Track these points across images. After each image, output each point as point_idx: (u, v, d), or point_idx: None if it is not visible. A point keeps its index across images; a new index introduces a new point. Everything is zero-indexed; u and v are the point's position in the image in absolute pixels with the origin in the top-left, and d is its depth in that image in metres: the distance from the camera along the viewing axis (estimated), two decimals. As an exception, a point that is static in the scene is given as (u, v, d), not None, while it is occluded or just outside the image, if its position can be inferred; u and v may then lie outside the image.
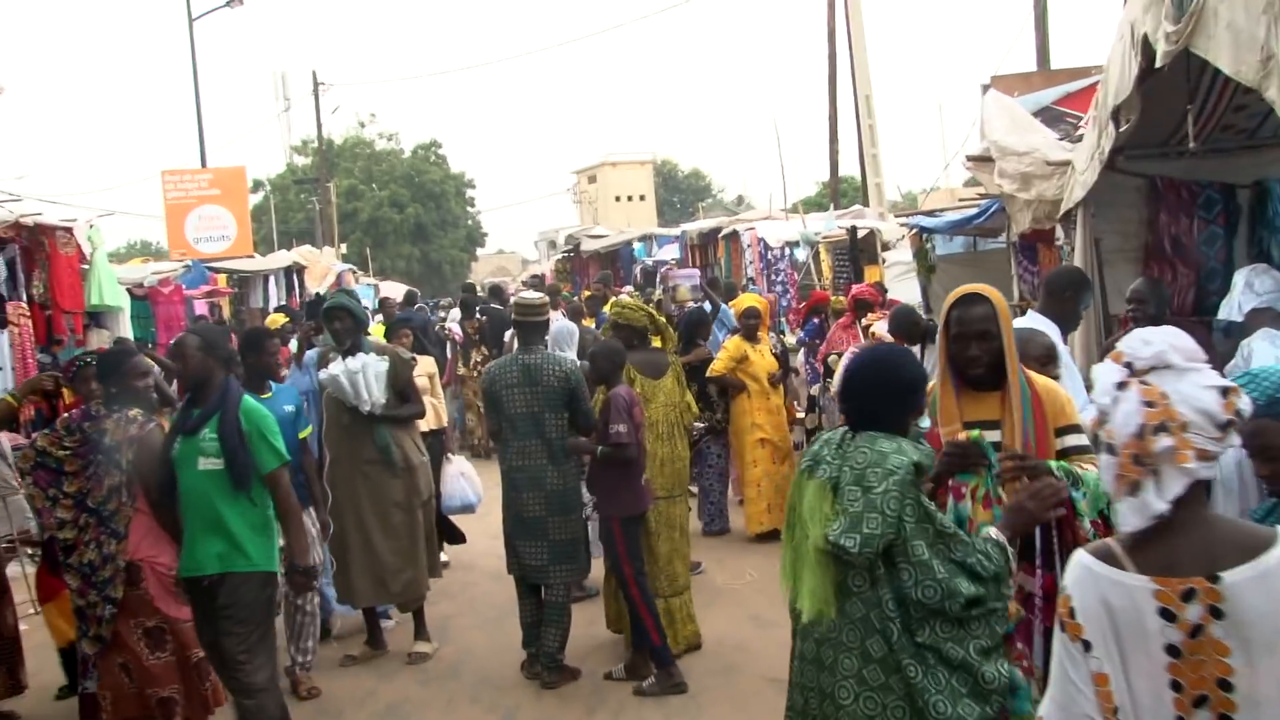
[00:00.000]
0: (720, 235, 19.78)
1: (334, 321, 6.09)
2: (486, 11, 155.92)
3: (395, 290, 34.35)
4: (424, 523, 6.33)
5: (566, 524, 5.75)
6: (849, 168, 22.41)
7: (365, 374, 5.84)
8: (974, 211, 8.57)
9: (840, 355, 7.97)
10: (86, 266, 10.22)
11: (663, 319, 6.45)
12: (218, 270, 16.89)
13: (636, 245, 25.52)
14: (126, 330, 10.83)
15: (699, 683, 5.61)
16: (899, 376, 2.98)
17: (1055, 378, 3.68)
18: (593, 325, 14.41)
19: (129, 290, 12.31)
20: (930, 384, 3.26)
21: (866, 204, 19.53)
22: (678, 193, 74.17)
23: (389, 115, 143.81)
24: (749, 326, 8.39)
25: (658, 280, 21.70)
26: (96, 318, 10.65)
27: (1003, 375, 3.25)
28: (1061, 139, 7.21)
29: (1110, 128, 5.44)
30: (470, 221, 63.57)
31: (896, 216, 10.41)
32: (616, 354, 5.70)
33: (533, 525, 5.68)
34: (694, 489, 7.88)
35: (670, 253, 23.66)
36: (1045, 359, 3.89)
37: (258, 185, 59.76)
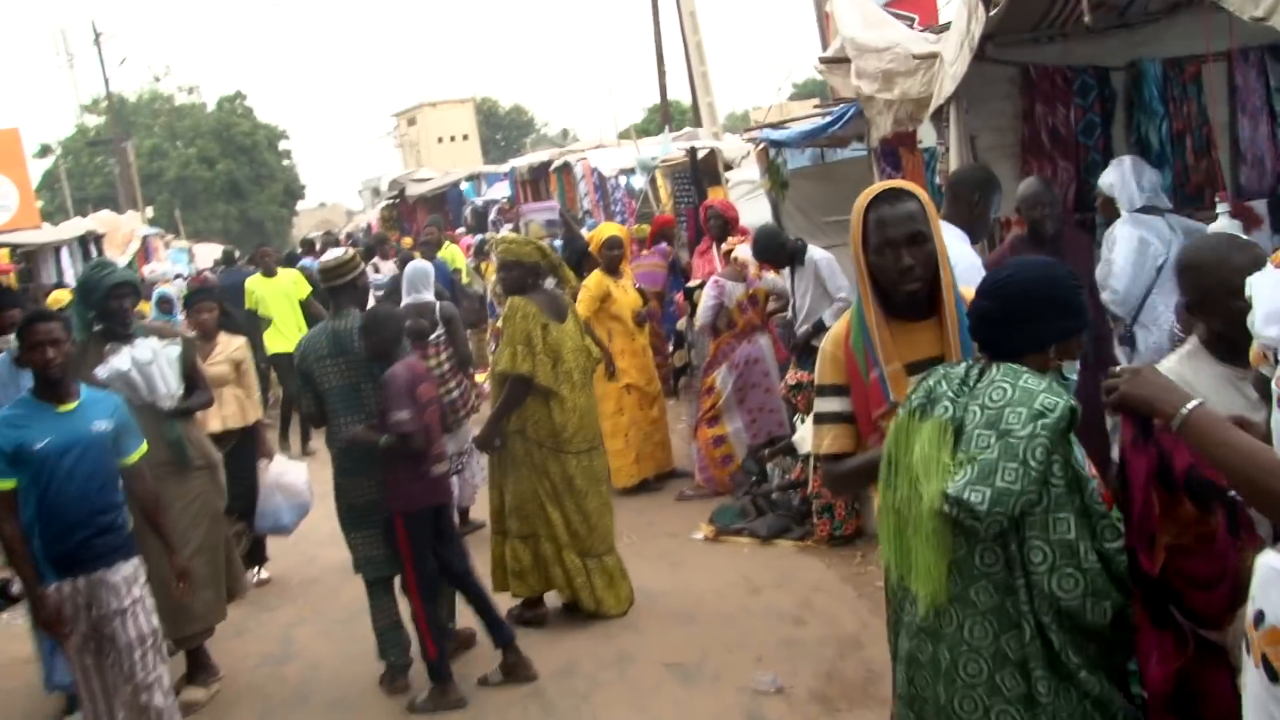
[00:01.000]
0: (551, 169, 18.97)
1: (122, 300, 4.85)
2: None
3: (211, 252, 32.34)
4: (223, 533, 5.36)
5: None
6: (677, 92, 21.88)
7: (159, 363, 4.84)
8: (827, 119, 8.00)
9: (702, 284, 7.34)
10: None
11: (555, 255, 5.64)
12: (-2, 245, 15.18)
13: (465, 186, 24.49)
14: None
15: (592, 679, 4.88)
16: (1067, 298, 2.32)
17: None
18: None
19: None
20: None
21: (699, 125, 18.97)
22: (500, 130, 72.43)
23: (187, 68, 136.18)
24: (611, 259, 7.59)
25: (490, 220, 20.81)
26: None
27: (937, 295, 2.61)
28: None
29: (980, 10, 4.90)
30: (287, 174, 60.61)
31: (745, 132, 9.76)
32: (390, 321, 4.84)
33: (367, 512, 4.91)
34: None
35: (501, 191, 22.70)
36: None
37: (45, 150, 55.60)
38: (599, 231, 8.04)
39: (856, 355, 2.67)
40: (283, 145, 60.02)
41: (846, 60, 6.98)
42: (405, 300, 6.79)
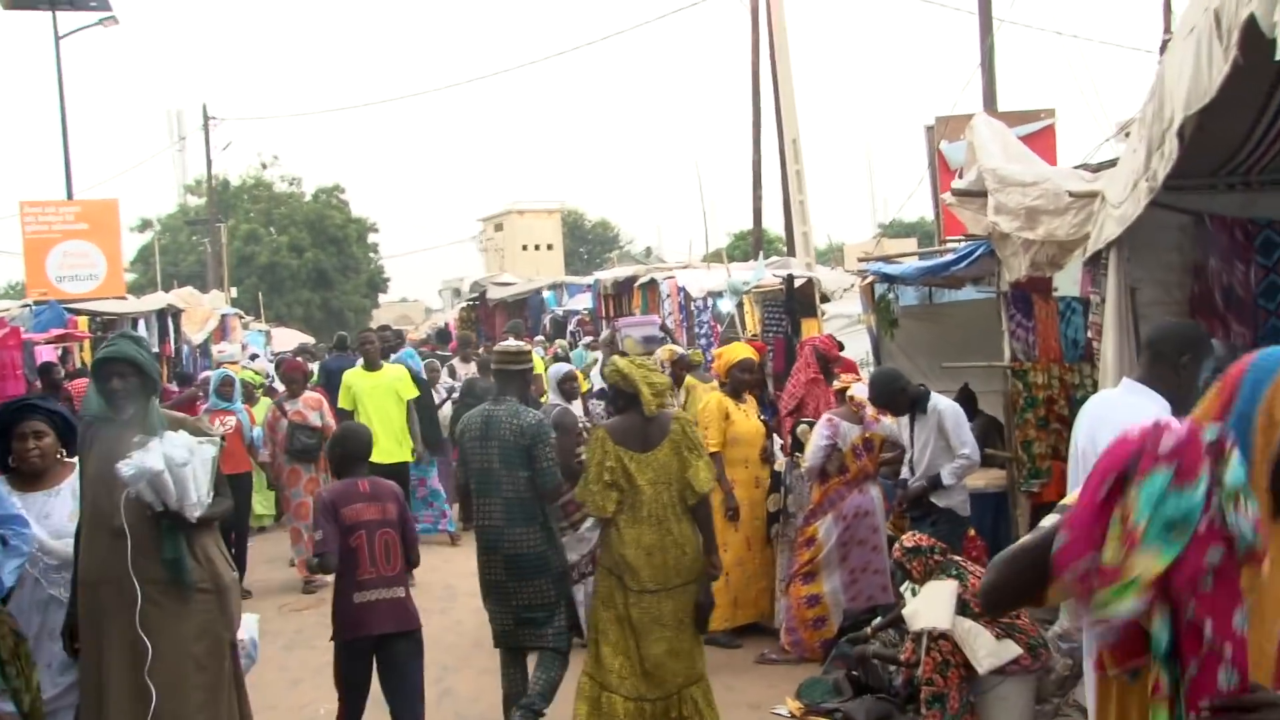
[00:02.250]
0: (637, 284, 18.62)
1: (109, 380, 4.13)
2: (390, 51, 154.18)
3: (291, 338, 32.53)
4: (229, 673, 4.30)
5: (530, 589, 5.25)
6: (768, 219, 21.56)
7: (194, 465, 4.03)
8: (951, 257, 7.40)
9: (811, 423, 6.68)
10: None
11: (660, 380, 5.17)
12: (78, 312, 15.06)
13: (546, 294, 24.28)
14: (-61, 381, 9.06)
15: None
16: None
17: None
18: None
19: (-47, 333, 10.53)
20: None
21: (791, 254, 18.56)
22: (584, 243, 73.13)
23: (291, 158, 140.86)
24: (740, 382, 6.88)
25: (569, 331, 20.45)
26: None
27: None
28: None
29: (1170, 144, 4.28)
30: (372, 267, 61.48)
31: (860, 261, 9.21)
32: (356, 438, 5.07)
33: (496, 588, 5.32)
34: None
35: (582, 302, 22.43)
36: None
37: (146, 224, 57.20)
38: (731, 351, 7.26)
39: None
40: (371, 239, 61.01)
41: (981, 194, 6.42)
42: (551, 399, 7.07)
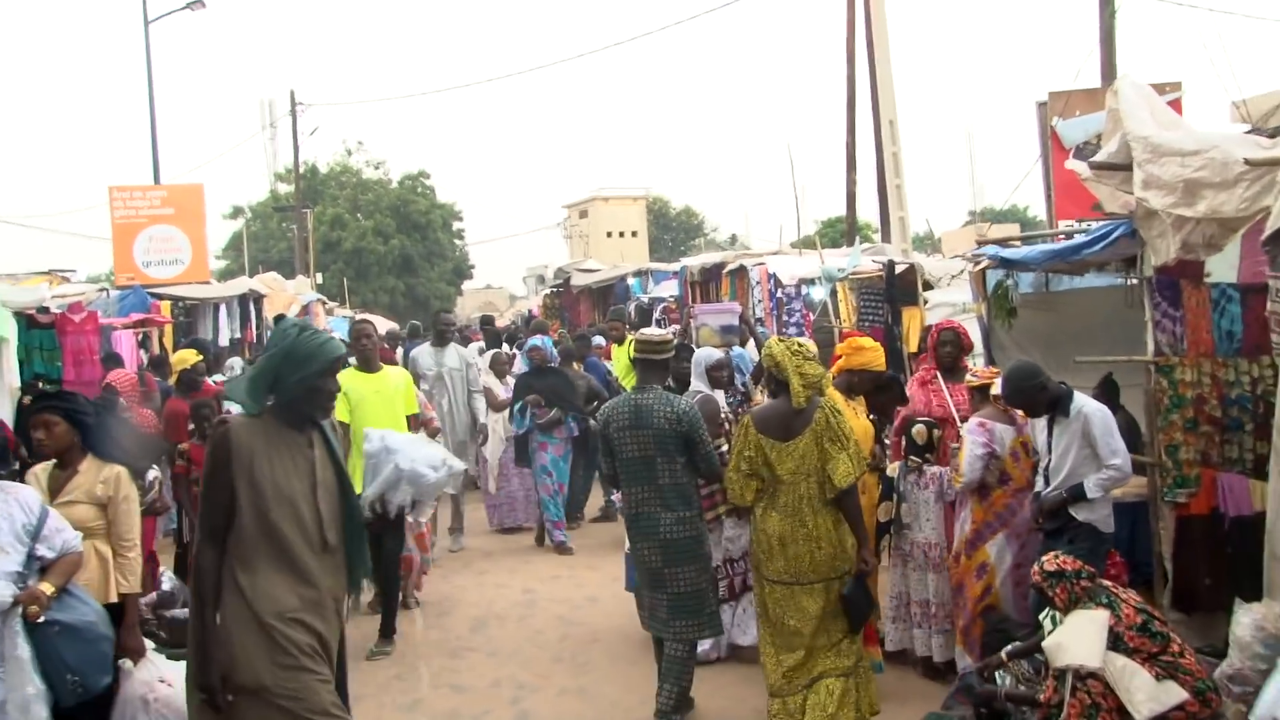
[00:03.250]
0: (725, 271, 17.98)
1: (36, 430, 4.61)
2: (476, 35, 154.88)
3: (376, 325, 32.47)
4: None
5: (686, 575, 5.31)
6: (862, 205, 20.76)
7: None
8: (1083, 239, 6.65)
9: (929, 424, 6.00)
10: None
11: (815, 370, 5.03)
12: (161, 297, 14.95)
13: (632, 281, 23.75)
14: (11, 365, 8.83)
15: None
16: None
17: None
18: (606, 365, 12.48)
19: (30, 316, 10.34)
20: None
21: (886, 240, 17.78)
22: (669, 231, 72.48)
23: (376, 143, 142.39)
24: (853, 383, 6.11)
25: (655, 319, 19.88)
26: (-24, 350, 8.66)
27: None
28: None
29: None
30: (457, 254, 61.61)
31: (980, 243, 8.48)
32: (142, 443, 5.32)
33: (653, 576, 5.38)
34: None
35: (668, 289, 21.84)
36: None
37: (237, 212, 58.01)
38: (859, 348, 6.28)
39: None
40: (456, 225, 61.10)
41: (1123, 167, 5.69)
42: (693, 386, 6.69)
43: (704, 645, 6.04)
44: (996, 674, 4.93)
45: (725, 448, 6.01)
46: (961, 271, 10.15)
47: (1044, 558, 4.58)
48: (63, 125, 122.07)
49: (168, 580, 6.43)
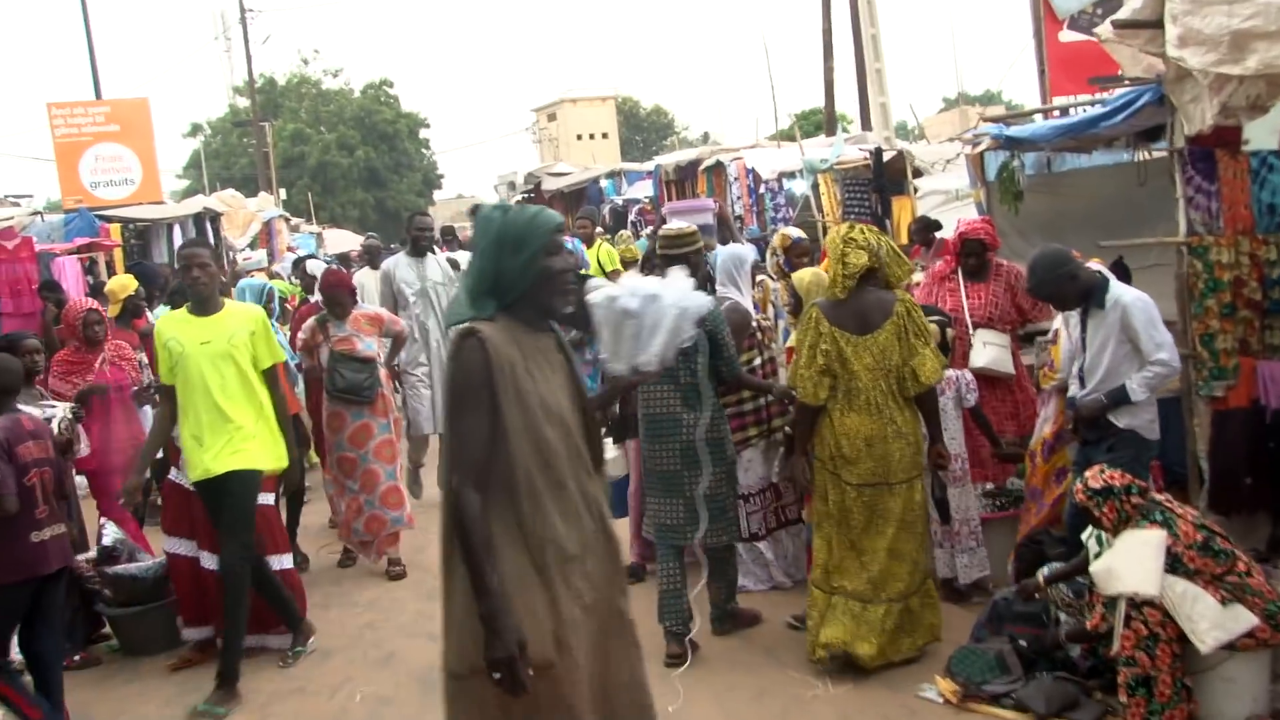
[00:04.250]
0: (701, 168, 17.25)
1: (569, 286, 3.14)
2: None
3: (343, 239, 31.56)
4: None
5: (706, 478, 5.00)
6: (839, 95, 20.02)
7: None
8: (1100, 110, 6.02)
9: (942, 321, 5.38)
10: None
11: (888, 253, 4.77)
12: (110, 219, 14.14)
13: (605, 183, 23.00)
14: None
15: None
16: None
17: None
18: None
19: (-43, 245, 9.62)
20: None
21: (867, 129, 17.06)
22: (640, 132, 71.01)
23: (334, 51, 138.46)
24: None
25: (630, 221, 19.17)
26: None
27: None
28: None
29: None
30: (426, 164, 60.21)
31: (986, 120, 7.85)
32: (5, 372, 4.78)
33: (667, 479, 5.06)
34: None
35: (643, 190, 21.10)
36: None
37: (196, 129, 56.40)
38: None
39: None
40: (423, 134, 59.64)
41: (1149, 25, 5.05)
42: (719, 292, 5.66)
43: (744, 580, 5.67)
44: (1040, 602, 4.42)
45: (758, 360, 5.64)
46: (957, 156, 9.51)
47: (1088, 473, 4.04)
48: (4, 41, 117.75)
49: (110, 534, 5.86)
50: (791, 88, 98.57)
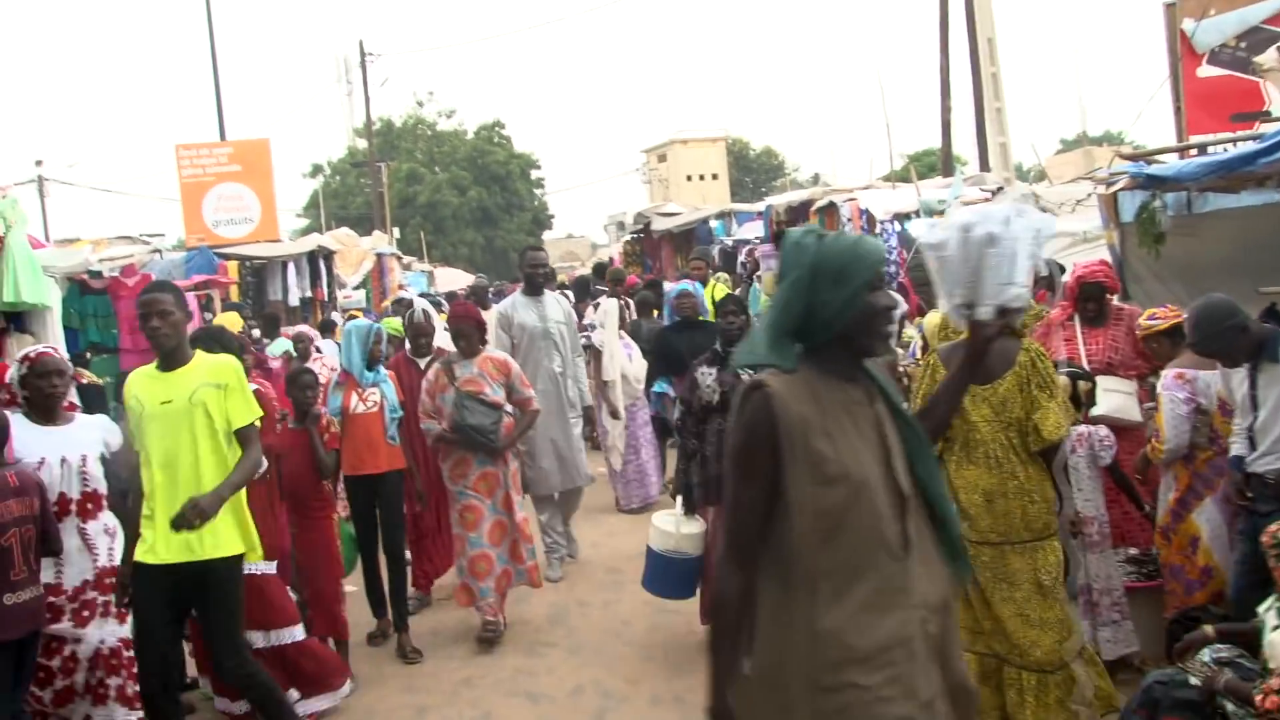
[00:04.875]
0: (813, 209, 16.92)
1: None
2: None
3: (454, 278, 31.97)
4: None
5: None
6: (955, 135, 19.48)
7: None
8: (1259, 146, 5.59)
9: (1076, 374, 4.99)
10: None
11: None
12: (228, 256, 14.45)
13: (714, 223, 22.78)
14: (57, 334, 8.26)
15: None
16: None
17: None
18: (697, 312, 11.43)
19: (82, 282, 9.83)
20: None
21: (984, 169, 16.56)
22: (750, 173, 70.90)
23: (449, 93, 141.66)
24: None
25: (740, 262, 18.91)
26: (18, 321, 8.10)
27: None
28: None
29: None
30: (536, 204, 60.97)
31: (1122, 159, 7.43)
32: None
33: None
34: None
35: (752, 231, 20.82)
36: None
37: (317, 170, 58.10)
38: None
39: None
40: (534, 175, 60.44)
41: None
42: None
43: None
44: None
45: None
46: (1088, 196, 9.04)
47: (1272, 526, 3.60)
48: (139, 89, 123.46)
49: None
50: (906, 128, 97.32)
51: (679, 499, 5.83)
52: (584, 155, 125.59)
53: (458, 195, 53.63)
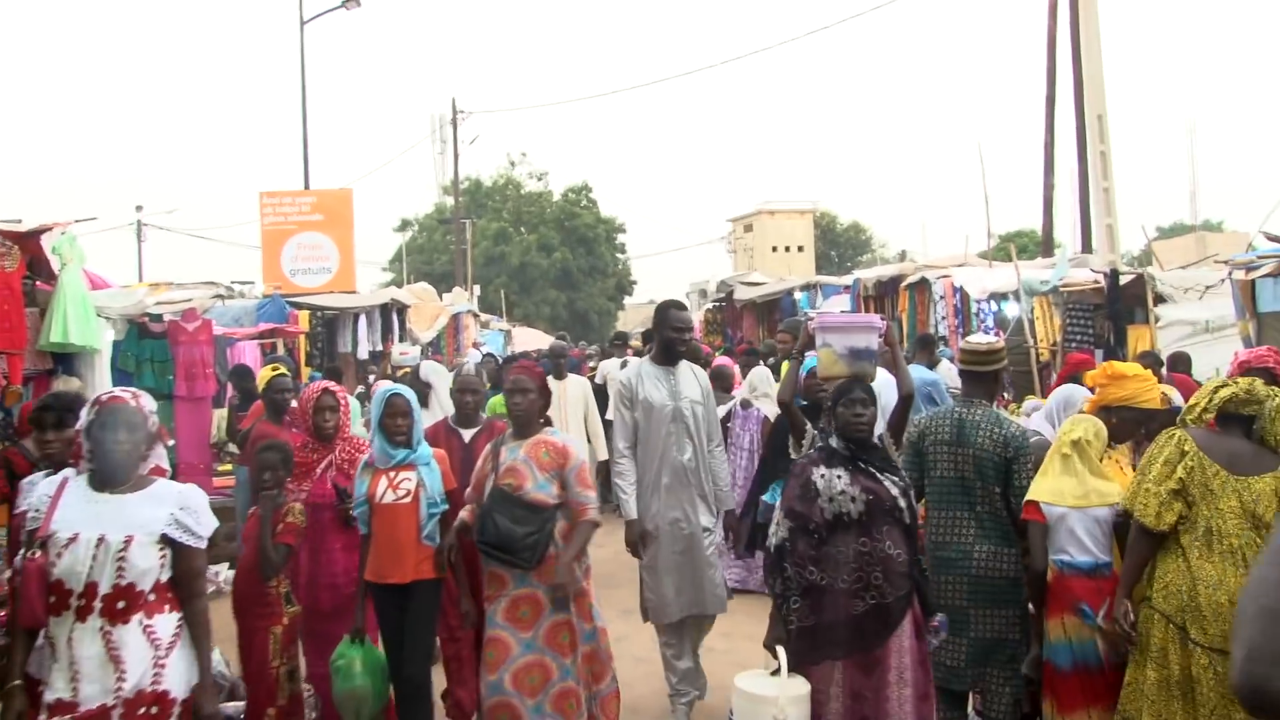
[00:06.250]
0: (903, 285, 16.22)
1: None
2: (639, 44, 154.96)
3: (533, 338, 31.70)
4: None
5: (996, 619, 4.69)
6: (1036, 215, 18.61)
7: None
8: None
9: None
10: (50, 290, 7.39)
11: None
12: (300, 306, 14.18)
13: (799, 295, 22.15)
14: (104, 378, 7.92)
15: None
16: None
17: None
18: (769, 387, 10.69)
19: (142, 325, 9.52)
20: None
21: (1086, 250, 15.75)
22: (836, 246, 70.21)
23: (539, 154, 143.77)
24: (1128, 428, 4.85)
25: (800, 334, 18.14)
26: (67, 362, 7.78)
27: None
28: None
29: None
30: (620, 268, 60.91)
31: (1272, 241, 6.72)
32: None
33: (954, 616, 4.67)
34: None
35: (839, 305, 20.15)
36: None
37: (405, 225, 58.78)
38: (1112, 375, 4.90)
39: None
40: (619, 239, 60.47)
41: None
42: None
43: None
44: None
45: None
46: (1221, 282, 8.27)
47: None
48: (239, 139, 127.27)
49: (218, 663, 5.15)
50: (999, 208, 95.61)
51: (777, 652, 4.28)
52: (669, 222, 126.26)
53: (544, 256, 53.77)
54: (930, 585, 4.54)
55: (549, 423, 5.12)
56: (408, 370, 9.78)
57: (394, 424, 4.93)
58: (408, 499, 4.89)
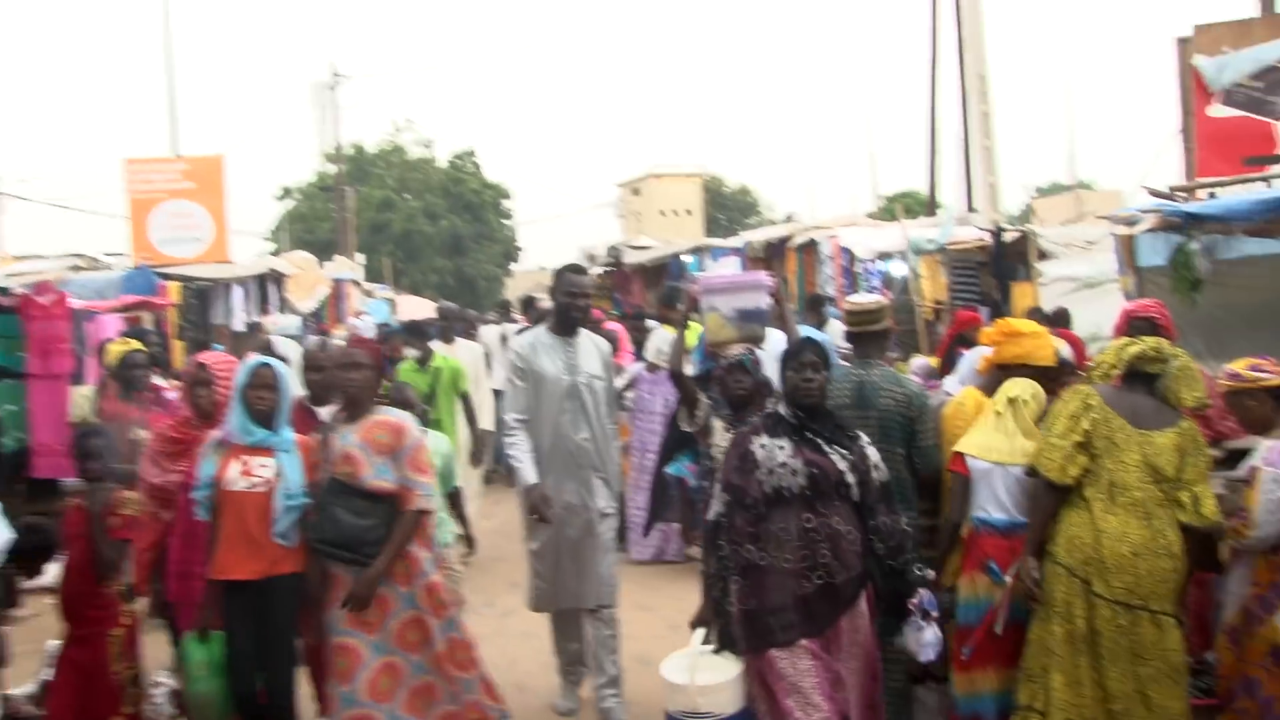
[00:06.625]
0: (790, 245, 16.22)
1: None
2: (525, 12, 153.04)
3: (418, 306, 30.98)
4: None
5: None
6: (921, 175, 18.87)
7: None
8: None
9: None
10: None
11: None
12: (170, 277, 13.48)
13: (687, 259, 22.07)
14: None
15: None
16: None
17: None
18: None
19: (-14, 299, 8.89)
20: None
21: (970, 210, 15.96)
22: (724, 210, 70.51)
23: (425, 121, 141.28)
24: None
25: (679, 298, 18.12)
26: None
27: None
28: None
29: None
30: (507, 234, 60.25)
31: (1154, 196, 6.77)
32: None
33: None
34: None
35: (728, 267, 20.13)
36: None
37: (286, 193, 57.14)
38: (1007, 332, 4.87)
39: None
40: (505, 205, 59.77)
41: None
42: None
43: None
44: None
45: None
46: (1106, 236, 8.38)
47: None
48: (99, 105, 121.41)
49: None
50: (885, 169, 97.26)
51: (700, 632, 4.15)
52: (557, 187, 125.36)
53: (431, 223, 52.86)
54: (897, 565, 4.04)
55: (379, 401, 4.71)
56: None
57: (257, 396, 4.45)
58: (262, 487, 4.39)
